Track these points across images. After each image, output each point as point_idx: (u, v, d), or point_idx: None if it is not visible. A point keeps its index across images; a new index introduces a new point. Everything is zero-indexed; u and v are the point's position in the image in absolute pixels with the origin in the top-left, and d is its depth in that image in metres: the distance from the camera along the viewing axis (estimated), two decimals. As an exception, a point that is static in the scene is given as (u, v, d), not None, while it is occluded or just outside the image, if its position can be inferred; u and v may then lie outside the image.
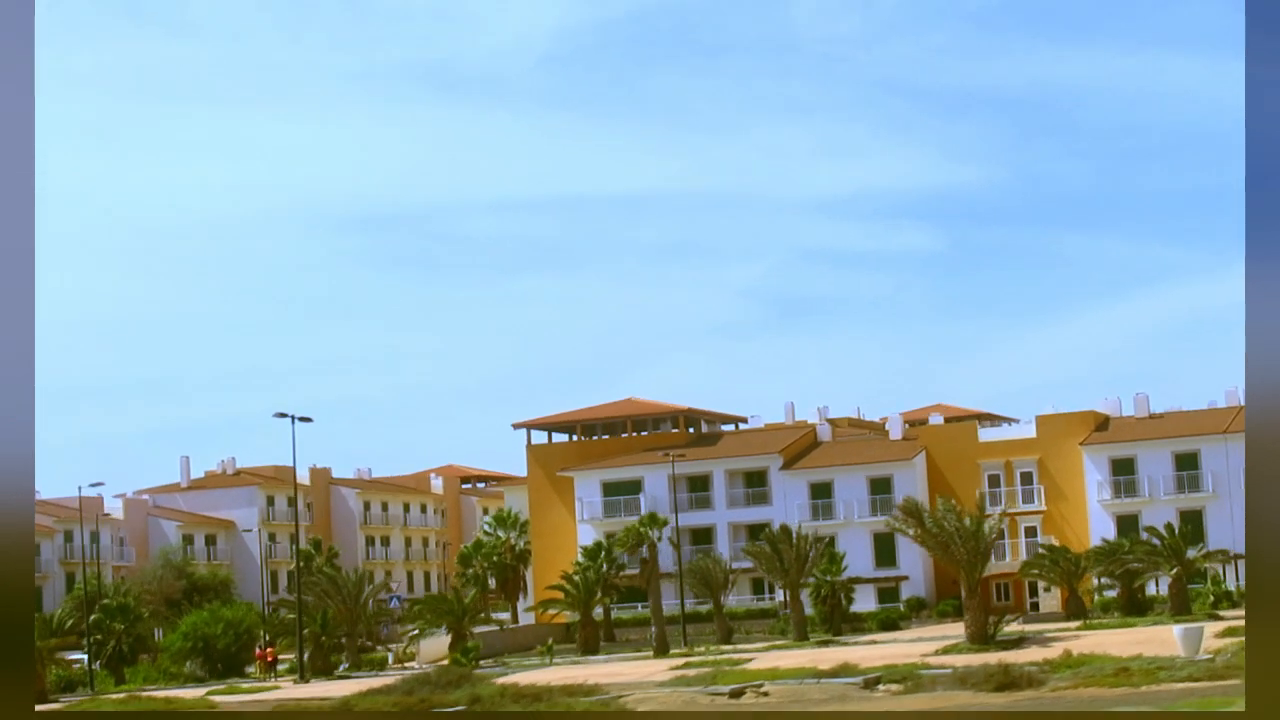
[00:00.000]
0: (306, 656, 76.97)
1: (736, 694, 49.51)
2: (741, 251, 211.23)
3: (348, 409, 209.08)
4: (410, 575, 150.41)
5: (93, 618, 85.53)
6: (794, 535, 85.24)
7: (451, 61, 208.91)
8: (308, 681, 73.16)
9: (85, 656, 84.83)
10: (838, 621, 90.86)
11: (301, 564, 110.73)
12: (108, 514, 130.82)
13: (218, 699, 61.95)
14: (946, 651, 60.98)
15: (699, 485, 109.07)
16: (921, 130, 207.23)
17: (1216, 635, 56.81)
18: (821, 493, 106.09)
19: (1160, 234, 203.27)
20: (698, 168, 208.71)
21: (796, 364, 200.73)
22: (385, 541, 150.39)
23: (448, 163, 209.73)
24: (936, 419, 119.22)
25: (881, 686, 49.59)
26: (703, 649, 78.75)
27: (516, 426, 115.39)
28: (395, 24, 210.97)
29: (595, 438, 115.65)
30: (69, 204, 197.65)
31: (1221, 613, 77.81)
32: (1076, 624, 75.62)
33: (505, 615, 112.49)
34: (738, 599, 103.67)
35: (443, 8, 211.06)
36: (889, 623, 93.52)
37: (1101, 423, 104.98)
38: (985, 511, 72.81)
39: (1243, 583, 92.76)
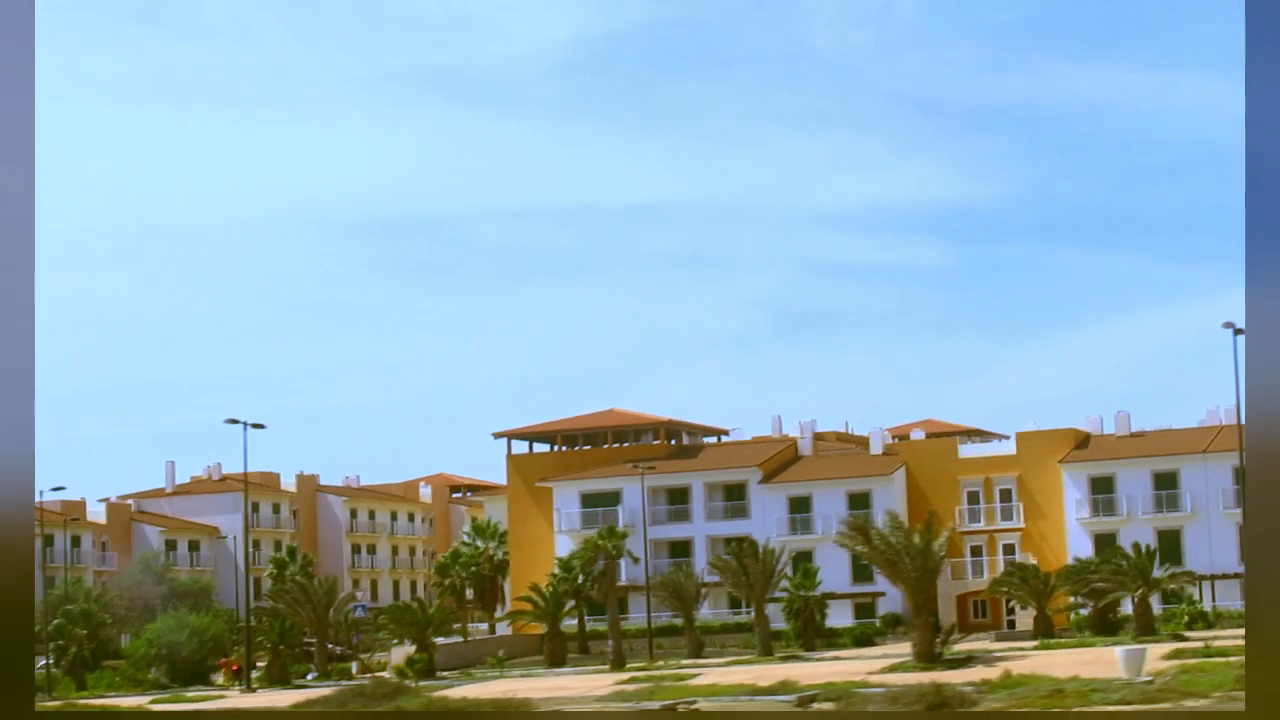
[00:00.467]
0: (265, 665, 76.46)
1: (667, 710, 48.91)
2: (751, 262, 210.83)
3: (348, 416, 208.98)
4: (396, 584, 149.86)
5: (55, 623, 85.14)
6: (760, 549, 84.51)
7: (465, 69, 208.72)
8: (254, 691, 72.69)
9: (46, 661, 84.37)
10: (811, 636, 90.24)
11: (275, 571, 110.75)
12: (90, 519, 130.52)
13: (158, 707, 61.47)
14: (892, 670, 60.32)
15: (678, 498, 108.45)
16: (934, 145, 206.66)
17: (1164, 657, 56.01)
18: (800, 507, 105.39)
19: (1168, 252, 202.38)
20: (709, 178, 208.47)
21: (799, 376, 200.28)
22: (372, 550, 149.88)
23: (458, 170, 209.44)
24: (919, 434, 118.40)
25: (815, 705, 48.98)
26: (662, 663, 78.13)
27: (497, 436, 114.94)
28: (409, 30, 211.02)
29: (577, 448, 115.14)
30: (77, 206, 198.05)
31: (1192, 634, 76.99)
32: (1034, 643, 74.88)
33: (484, 626, 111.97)
34: (714, 613, 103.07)
35: (457, 15, 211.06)
36: (864, 638, 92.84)
37: (1082, 441, 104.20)
38: (953, 528, 71.83)
39: (1219, 603, 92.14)
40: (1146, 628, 77.06)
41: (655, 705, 49.28)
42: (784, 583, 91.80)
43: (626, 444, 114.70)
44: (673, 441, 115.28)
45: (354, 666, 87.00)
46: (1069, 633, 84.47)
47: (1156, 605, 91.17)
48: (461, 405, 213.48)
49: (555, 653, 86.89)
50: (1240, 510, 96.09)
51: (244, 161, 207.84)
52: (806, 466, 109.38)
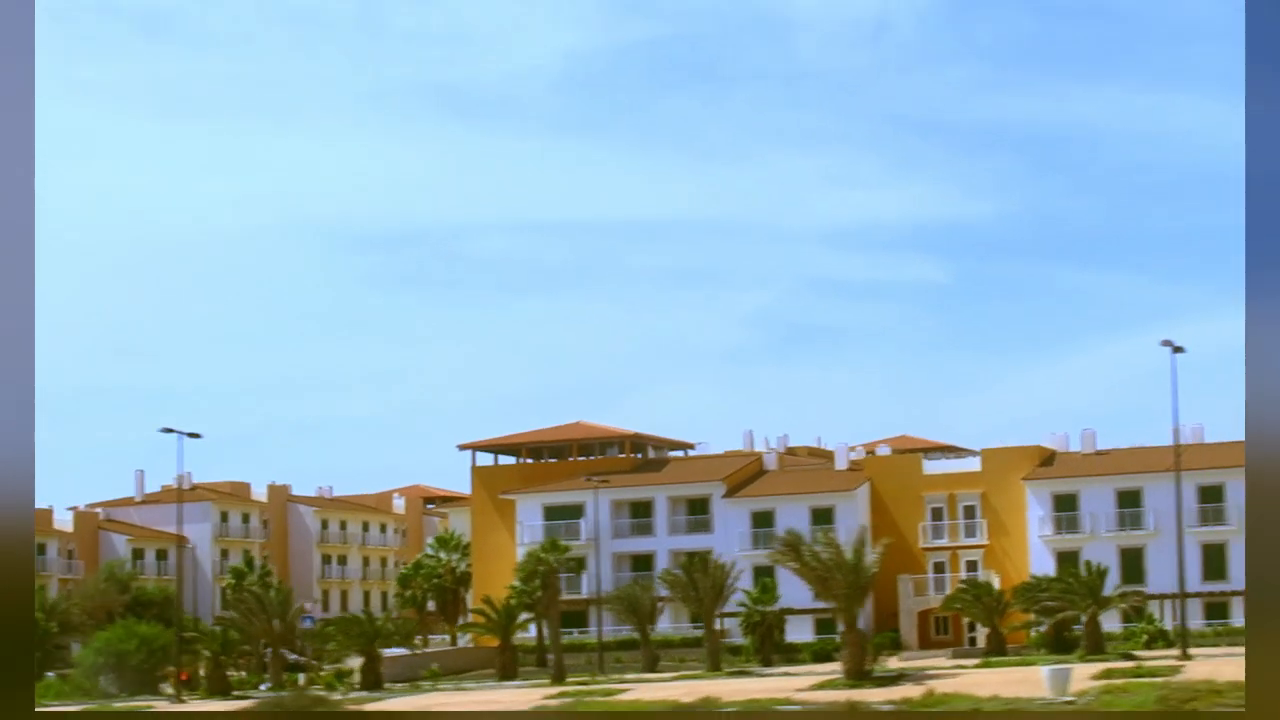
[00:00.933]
0: (203, 674, 75.74)
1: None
2: (747, 278, 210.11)
3: (338, 428, 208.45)
4: (367, 595, 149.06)
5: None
6: (709, 564, 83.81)
7: (464, 84, 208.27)
8: (184, 701, 71.94)
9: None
10: (769, 651, 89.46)
11: (233, 581, 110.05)
12: (57, 526, 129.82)
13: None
14: (820, 687, 59.57)
15: (641, 511, 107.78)
16: (931, 163, 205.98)
17: (1093, 676, 55.25)
18: (763, 522, 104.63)
19: (1165, 272, 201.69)
20: (707, 194, 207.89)
21: (790, 392, 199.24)
22: (343, 560, 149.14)
23: (457, 184, 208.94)
24: (884, 450, 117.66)
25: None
26: (603, 678, 77.31)
27: (462, 448, 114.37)
28: (410, 45, 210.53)
29: (542, 461, 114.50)
30: (79, 214, 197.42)
31: (1146, 653, 76.09)
32: (975, 661, 74.15)
33: (447, 637, 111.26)
34: (675, 627, 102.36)
35: (458, 30, 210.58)
36: (824, 654, 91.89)
37: (1047, 458, 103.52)
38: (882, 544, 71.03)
39: (1179, 622, 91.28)
40: (1095, 646, 76.24)
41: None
42: (741, 597, 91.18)
43: (592, 457, 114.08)
44: (638, 455, 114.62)
45: (300, 678, 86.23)
46: (1028, 650, 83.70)
47: (1116, 624, 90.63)
48: (449, 418, 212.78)
49: (506, 666, 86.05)
50: (1202, 529, 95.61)
51: (241, 172, 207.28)
52: (771, 481, 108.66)
